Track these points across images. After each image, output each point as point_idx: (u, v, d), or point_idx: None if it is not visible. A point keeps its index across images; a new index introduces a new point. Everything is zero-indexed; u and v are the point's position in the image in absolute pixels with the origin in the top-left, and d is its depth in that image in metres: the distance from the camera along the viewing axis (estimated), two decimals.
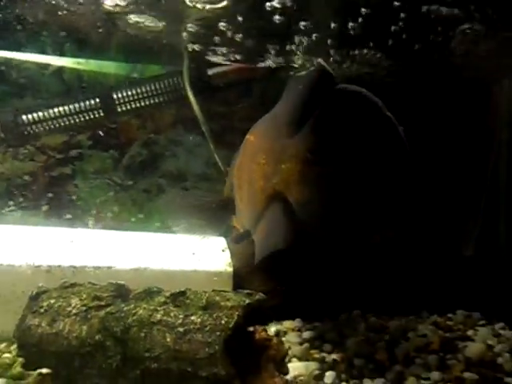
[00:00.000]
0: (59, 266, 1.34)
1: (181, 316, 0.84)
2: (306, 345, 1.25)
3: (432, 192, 1.71)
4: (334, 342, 1.25)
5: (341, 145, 0.89)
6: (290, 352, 1.19)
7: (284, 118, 1.07)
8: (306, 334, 1.31)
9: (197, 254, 1.52)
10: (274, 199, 1.03)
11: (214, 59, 1.92)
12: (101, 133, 1.88)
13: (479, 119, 1.92)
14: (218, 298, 0.86)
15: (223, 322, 0.80)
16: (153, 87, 1.80)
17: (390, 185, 0.90)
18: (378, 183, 0.90)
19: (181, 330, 0.82)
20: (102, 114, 1.74)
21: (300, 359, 1.15)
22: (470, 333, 1.26)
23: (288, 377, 1.03)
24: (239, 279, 1.49)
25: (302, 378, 1.01)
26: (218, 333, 0.79)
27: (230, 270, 1.44)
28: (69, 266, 1.35)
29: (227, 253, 1.56)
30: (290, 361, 1.15)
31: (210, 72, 1.88)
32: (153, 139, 2.01)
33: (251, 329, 0.95)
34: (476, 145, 1.92)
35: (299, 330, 1.34)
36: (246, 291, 0.91)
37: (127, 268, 1.39)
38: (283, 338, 1.30)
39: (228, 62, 1.88)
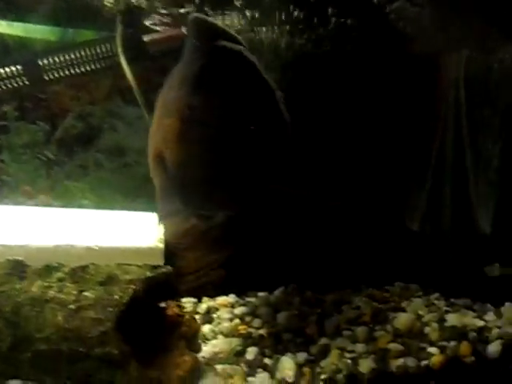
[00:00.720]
0: None
1: (74, 292, 0.77)
2: (236, 321, 1.19)
3: (377, 165, 1.68)
4: (264, 316, 1.21)
5: (216, 105, 0.84)
6: (216, 329, 1.14)
7: (178, 70, 1.04)
8: (238, 310, 1.25)
9: (127, 230, 1.45)
10: (156, 160, 0.96)
11: (151, 24, 1.83)
12: (29, 103, 1.77)
13: (426, 93, 1.90)
14: (118, 272, 0.79)
15: (117, 296, 0.73)
16: (83, 53, 1.68)
17: (262, 149, 0.85)
18: (251, 147, 0.84)
19: (73, 307, 0.75)
20: (26, 82, 1.62)
21: (226, 336, 1.10)
22: (404, 304, 1.23)
23: (207, 354, 0.98)
24: (171, 256, 1.43)
25: (221, 354, 0.96)
26: (110, 309, 0.72)
27: (161, 246, 1.37)
28: None
29: (160, 228, 1.49)
30: (214, 337, 1.10)
31: (146, 38, 1.78)
32: (88, 111, 1.89)
33: (163, 305, 0.89)
34: (422, 117, 1.90)
35: (232, 306, 1.29)
36: (152, 264, 0.85)
37: (50, 245, 1.30)
38: (214, 315, 1.25)
39: (165, 28, 1.79)
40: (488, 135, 1.93)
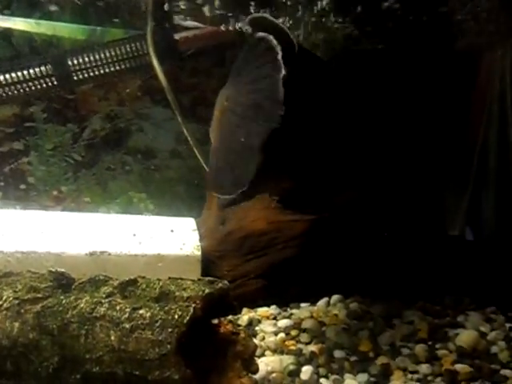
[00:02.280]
0: (1, 252, 1.19)
1: (128, 309, 0.70)
2: (282, 335, 1.13)
3: (416, 170, 1.60)
4: (312, 331, 1.14)
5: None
6: (263, 344, 1.07)
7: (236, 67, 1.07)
8: (282, 323, 1.19)
9: (161, 236, 1.38)
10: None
11: (183, 22, 1.77)
12: (57, 104, 1.72)
13: (468, 90, 1.81)
14: (173, 288, 0.72)
15: (177, 316, 0.66)
16: (113, 53, 1.61)
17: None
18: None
19: (127, 326, 0.68)
20: (54, 83, 1.57)
21: (274, 352, 1.03)
22: (460, 319, 1.15)
23: (259, 374, 0.92)
24: (208, 264, 1.36)
25: (274, 374, 0.90)
26: (170, 329, 0.66)
27: (198, 253, 1.31)
28: (14, 252, 1.21)
29: (196, 234, 1.43)
30: (263, 354, 1.03)
31: (177, 36, 1.72)
32: (116, 112, 1.84)
33: (215, 321, 0.82)
34: (465, 117, 1.81)
35: (275, 318, 1.22)
36: (207, 278, 0.78)
37: (80, 253, 1.25)
38: (257, 328, 1.18)
39: (198, 25, 1.73)
40: None
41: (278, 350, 1.04)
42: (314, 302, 1.29)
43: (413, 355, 0.97)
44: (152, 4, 1.66)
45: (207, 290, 0.71)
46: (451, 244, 1.49)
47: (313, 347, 1.04)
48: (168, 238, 1.40)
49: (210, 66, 1.93)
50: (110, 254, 1.24)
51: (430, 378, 0.89)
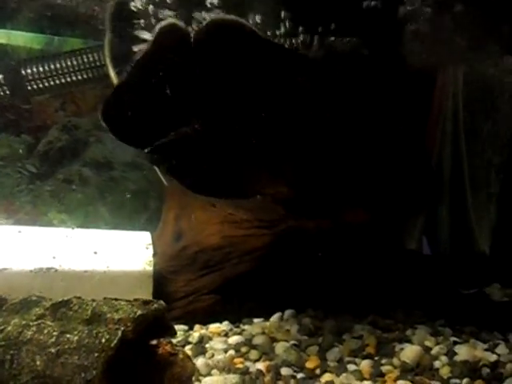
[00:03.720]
0: None
1: (55, 333, 0.68)
2: (231, 352, 1.11)
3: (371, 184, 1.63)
4: (262, 347, 1.13)
5: None
6: (211, 362, 1.05)
7: None
8: (233, 340, 1.17)
9: (113, 251, 1.36)
10: None
11: (142, 34, 1.76)
12: (11, 114, 1.67)
13: (424, 106, 1.86)
14: (105, 309, 0.71)
15: (104, 340, 0.65)
16: (70, 63, 1.60)
17: None
18: None
19: (53, 350, 0.66)
20: (7, 93, 1.53)
21: (222, 370, 1.02)
22: (408, 332, 1.17)
23: None
24: (161, 279, 1.34)
25: None
26: (96, 354, 0.64)
27: (150, 269, 1.29)
28: None
29: (150, 249, 1.41)
30: (209, 373, 1.02)
31: (136, 48, 1.71)
32: (74, 123, 1.81)
33: (154, 342, 0.81)
34: (421, 133, 1.86)
35: (226, 335, 1.21)
36: (142, 299, 0.76)
37: (26, 269, 1.21)
38: (207, 345, 1.17)
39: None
40: (487, 151, 1.91)
41: (226, 368, 1.02)
42: (267, 318, 1.29)
43: (358, 371, 0.98)
44: (110, 15, 1.65)
45: (140, 312, 0.70)
46: (405, 258, 1.52)
47: (261, 365, 1.03)
48: (120, 253, 1.37)
49: None
50: (56, 271, 1.21)
51: None
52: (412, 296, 1.39)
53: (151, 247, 1.39)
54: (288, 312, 1.29)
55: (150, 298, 1.26)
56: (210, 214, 1.51)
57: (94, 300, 0.76)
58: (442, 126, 1.73)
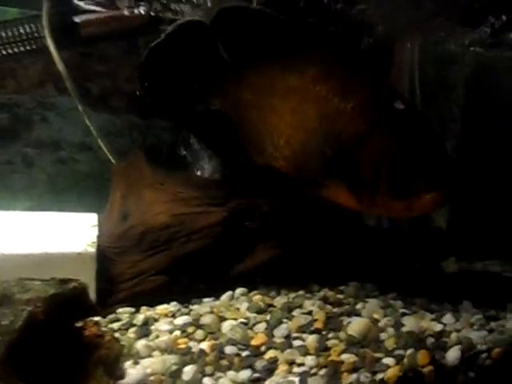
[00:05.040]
0: None
1: None
2: (177, 333, 1.07)
3: None
4: (208, 327, 1.09)
5: None
6: (152, 344, 1.01)
7: None
8: (180, 320, 1.12)
9: (56, 234, 1.29)
10: None
11: (83, 4, 1.66)
12: None
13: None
14: (15, 290, 0.65)
15: (8, 321, 0.59)
16: (4, 34, 1.50)
17: None
18: None
19: None
20: None
21: (163, 352, 0.98)
22: (359, 306, 1.15)
23: (137, 377, 0.86)
24: (106, 261, 1.28)
25: (153, 377, 0.84)
26: None
27: (92, 250, 1.23)
28: None
29: (95, 230, 1.35)
30: (150, 355, 0.98)
31: (78, 19, 1.62)
32: (15, 100, 1.70)
33: (79, 324, 0.76)
34: None
35: (173, 316, 1.16)
36: (59, 278, 0.71)
37: None
38: (152, 327, 1.12)
39: (99, 9, 1.63)
40: (443, 127, 1.91)
41: (168, 349, 0.99)
42: (217, 297, 1.25)
43: (303, 347, 0.95)
44: None
45: (53, 291, 0.64)
46: (360, 232, 1.51)
47: (205, 344, 0.99)
48: (62, 235, 1.31)
49: (120, 53, 1.84)
50: None
51: (314, 370, 0.87)
52: (366, 270, 1.39)
53: (96, 228, 1.33)
54: (239, 290, 1.25)
55: (93, 280, 1.21)
56: (159, 193, 1.45)
57: (6, 281, 0.71)
58: None
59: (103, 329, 0.76)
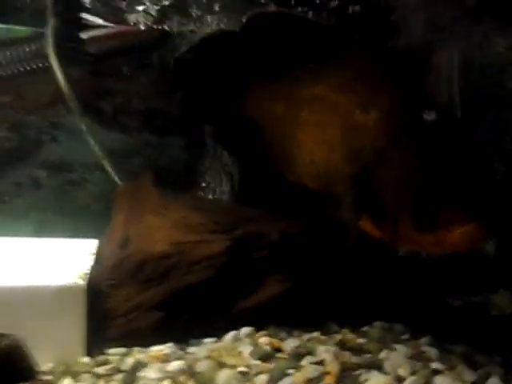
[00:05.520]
0: None
1: None
2: (166, 382, 0.94)
3: None
4: (203, 376, 0.94)
5: None
6: None
7: None
8: (172, 366, 0.98)
9: (48, 263, 1.20)
10: None
11: (91, 19, 1.60)
12: None
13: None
14: None
15: None
16: (9, 53, 1.46)
17: None
18: None
19: None
20: None
21: None
22: (382, 355, 0.97)
23: None
24: (99, 294, 1.17)
25: None
26: None
27: (82, 283, 1.12)
28: None
29: (90, 259, 1.25)
30: None
31: (85, 35, 1.55)
32: (25, 121, 1.67)
33: None
34: None
35: (166, 360, 1.03)
36: None
37: None
38: (141, 373, 0.99)
39: (108, 24, 1.56)
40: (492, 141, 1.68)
41: None
42: (219, 338, 1.11)
43: None
44: None
45: None
46: (390, 262, 1.31)
47: None
48: (55, 264, 1.21)
49: (132, 69, 1.77)
50: None
51: None
52: (395, 307, 1.19)
53: (92, 257, 1.23)
54: (244, 330, 1.09)
55: (83, 317, 1.10)
56: (161, 218, 1.32)
57: None
58: None
59: None
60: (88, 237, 1.40)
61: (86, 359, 1.05)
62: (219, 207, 1.40)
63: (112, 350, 1.07)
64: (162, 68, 1.71)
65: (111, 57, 1.58)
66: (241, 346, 1.06)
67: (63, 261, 1.19)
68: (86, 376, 0.96)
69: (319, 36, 1.21)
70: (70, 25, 1.46)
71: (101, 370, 1.00)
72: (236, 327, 1.11)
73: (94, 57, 1.53)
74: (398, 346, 1.00)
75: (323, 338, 1.06)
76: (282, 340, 1.07)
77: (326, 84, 1.19)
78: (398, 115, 1.02)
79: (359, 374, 0.88)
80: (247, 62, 1.34)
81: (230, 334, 1.10)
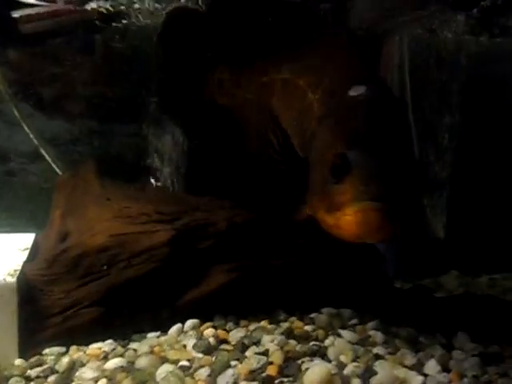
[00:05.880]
0: None
1: None
2: (102, 382, 0.89)
3: None
4: (142, 373, 0.89)
5: None
6: None
7: None
8: (111, 364, 0.93)
9: None
10: None
11: None
12: None
13: None
14: None
15: None
16: None
17: None
18: None
19: None
20: None
21: None
22: (328, 341, 0.95)
23: None
24: (33, 292, 1.10)
25: None
26: None
27: (12, 280, 1.05)
28: None
29: (24, 255, 1.17)
30: None
31: (16, 14, 1.45)
32: None
33: None
34: None
35: (105, 358, 0.97)
36: None
37: None
38: (77, 373, 0.94)
39: (39, 3, 1.46)
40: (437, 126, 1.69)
41: None
42: (165, 331, 1.06)
43: None
44: None
45: None
46: (337, 248, 1.30)
47: None
48: None
49: (73, 53, 1.68)
50: None
51: None
52: (343, 292, 1.18)
53: (26, 252, 1.16)
54: (189, 322, 1.05)
55: (14, 316, 1.03)
56: (103, 209, 1.24)
57: None
58: None
59: None
60: (28, 231, 1.34)
61: (19, 361, 0.98)
62: (164, 196, 1.34)
63: (47, 350, 1.01)
64: (106, 51, 1.63)
65: (48, 38, 1.49)
66: (185, 339, 1.02)
67: None
68: (14, 380, 0.90)
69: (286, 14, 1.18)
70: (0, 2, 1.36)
71: (33, 372, 0.94)
72: (181, 320, 1.08)
73: (31, 38, 1.43)
74: (345, 332, 0.99)
75: (270, 327, 1.03)
76: (228, 331, 1.04)
77: (290, 67, 1.16)
78: (332, 96, 1.00)
79: (302, 362, 0.86)
80: (212, 43, 1.28)
81: (175, 327, 1.05)
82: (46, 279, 1.08)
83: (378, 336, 0.98)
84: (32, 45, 1.47)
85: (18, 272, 1.05)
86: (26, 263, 1.09)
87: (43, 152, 1.40)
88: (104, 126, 1.65)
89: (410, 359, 0.84)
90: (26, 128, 1.38)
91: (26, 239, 1.22)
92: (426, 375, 0.79)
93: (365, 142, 0.80)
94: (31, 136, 1.38)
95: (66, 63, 1.61)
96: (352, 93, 0.86)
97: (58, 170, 1.42)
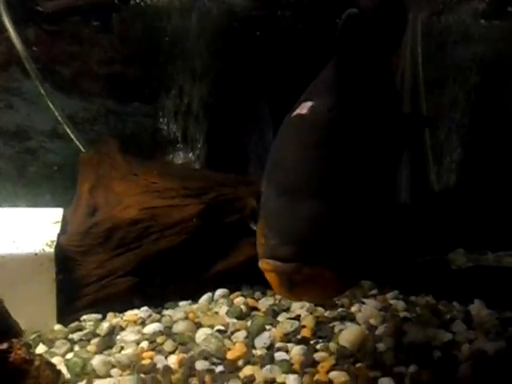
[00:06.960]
0: None
1: None
2: (144, 344, 0.93)
3: None
4: (181, 336, 0.95)
5: None
6: (113, 359, 0.87)
7: None
8: (149, 328, 0.98)
9: (12, 233, 1.15)
10: None
11: None
12: None
13: None
14: None
15: None
16: None
17: None
18: None
19: None
20: None
21: (126, 368, 0.84)
22: (354, 308, 1.01)
23: None
24: (68, 262, 1.14)
25: None
26: None
27: (50, 251, 1.09)
28: None
29: (57, 228, 1.21)
30: (107, 373, 0.84)
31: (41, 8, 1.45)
32: None
33: (4, 346, 0.62)
34: None
35: (142, 323, 1.03)
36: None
37: None
38: (118, 336, 0.99)
39: None
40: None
41: (131, 365, 0.85)
42: (195, 300, 1.12)
43: (286, 362, 0.82)
44: None
45: None
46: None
47: (173, 358, 0.86)
48: (20, 233, 1.17)
49: (92, 32, 1.68)
50: None
51: None
52: (364, 265, 1.24)
53: (58, 225, 1.20)
54: (219, 291, 1.10)
55: (52, 284, 1.07)
56: (130, 184, 1.28)
57: None
58: None
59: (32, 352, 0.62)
60: (50, 206, 1.37)
61: (59, 326, 1.03)
62: (189, 173, 1.38)
63: (85, 317, 1.06)
64: (123, 31, 1.64)
65: (68, 16, 1.50)
66: (216, 306, 1.08)
67: (28, 230, 1.15)
68: (60, 342, 0.94)
69: None
70: None
71: (75, 335, 0.99)
72: (211, 289, 1.13)
73: (51, 16, 1.44)
74: (368, 301, 1.05)
75: None
76: (257, 299, 1.10)
77: None
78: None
79: (333, 327, 0.92)
80: None
81: (205, 296, 1.10)
82: (81, 250, 1.13)
83: (399, 304, 1.05)
84: (53, 24, 1.48)
85: (54, 243, 1.10)
86: (60, 235, 1.13)
87: (67, 130, 1.42)
88: (122, 106, 1.67)
89: (435, 321, 0.90)
90: (51, 105, 1.39)
91: (55, 213, 1.26)
92: (454, 333, 0.86)
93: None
94: (56, 114, 1.40)
95: (87, 43, 1.63)
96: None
97: (81, 148, 1.44)
